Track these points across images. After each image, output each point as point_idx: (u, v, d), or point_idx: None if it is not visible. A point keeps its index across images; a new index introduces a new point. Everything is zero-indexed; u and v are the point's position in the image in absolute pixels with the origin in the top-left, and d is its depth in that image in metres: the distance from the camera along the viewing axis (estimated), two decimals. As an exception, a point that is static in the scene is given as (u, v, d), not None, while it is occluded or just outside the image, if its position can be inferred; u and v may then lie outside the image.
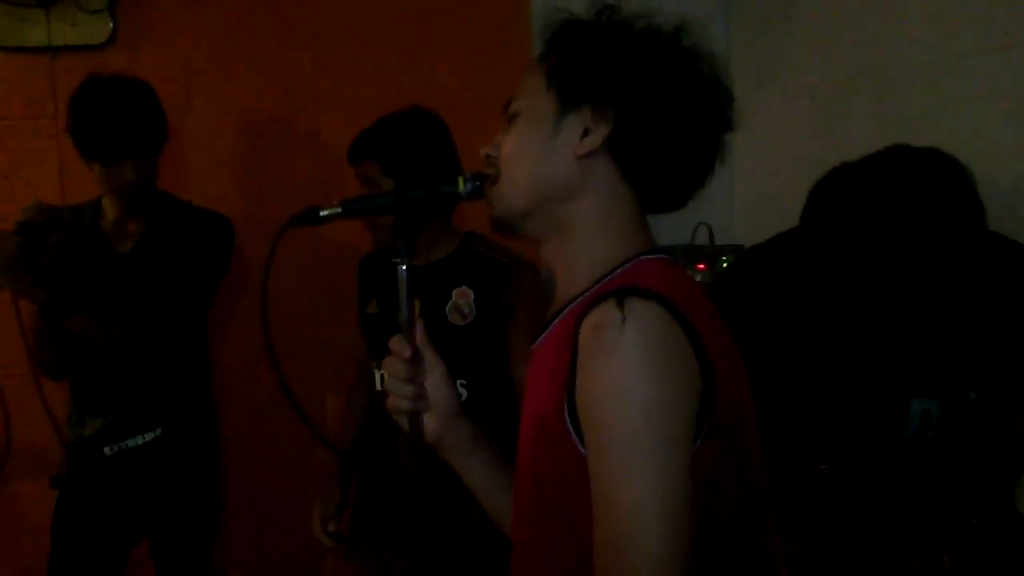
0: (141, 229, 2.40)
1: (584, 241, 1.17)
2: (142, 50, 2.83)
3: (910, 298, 1.71)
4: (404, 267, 1.23)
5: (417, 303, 1.26)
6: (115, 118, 2.21)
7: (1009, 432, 1.75)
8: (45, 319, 2.17)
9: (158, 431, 2.38)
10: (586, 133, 1.14)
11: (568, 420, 1.05)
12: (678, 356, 1.01)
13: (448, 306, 2.20)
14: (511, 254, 2.26)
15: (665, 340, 1.01)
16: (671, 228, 2.78)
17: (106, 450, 2.35)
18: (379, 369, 2.30)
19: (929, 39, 2.19)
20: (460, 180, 1.23)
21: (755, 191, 2.90)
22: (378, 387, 2.32)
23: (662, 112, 1.13)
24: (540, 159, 1.16)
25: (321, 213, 1.25)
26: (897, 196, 1.61)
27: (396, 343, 1.25)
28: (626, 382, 0.99)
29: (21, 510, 2.85)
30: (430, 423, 1.26)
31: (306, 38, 2.92)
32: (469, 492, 1.31)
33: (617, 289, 1.05)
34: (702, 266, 2.72)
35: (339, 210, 1.26)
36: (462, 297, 2.20)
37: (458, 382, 2.11)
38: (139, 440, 2.37)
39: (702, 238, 2.90)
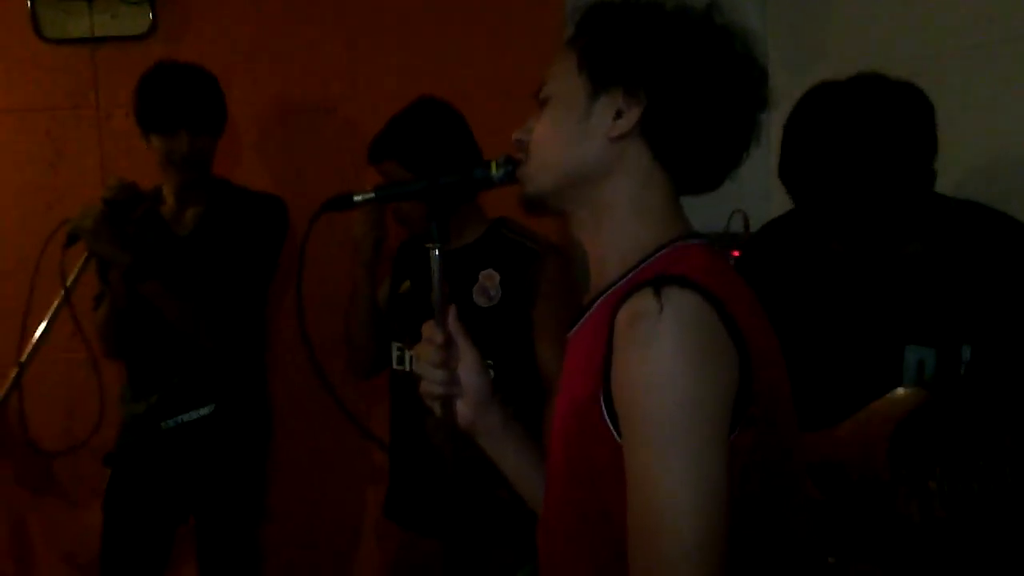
0: (199, 213, 2.51)
1: (617, 224, 1.17)
2: (181, 41, 2.88)
3: (886, 243, 1.73)
4: (437, 251, 1.25)
5: (446, 288, 1.27)
6: (173, 90, 2.38)
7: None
8: (126, 282, 2.31)
9: (212, 407, 2.46)
10: (619, 115, 1.14)
11: (604, 409, 1.05)
12: (715, 347, 1.01)
13: (474, 288, 2.23)
14: (539, 239, 2.28)
15: (702, 331, 1.00)
16: (706, 215, 2.74)
17: (163, 424, 2.45)
18: (409, 350, 2.32)
19: (967, 26, 2.16)
20: (493, 164, 1.24)
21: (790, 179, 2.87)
22: (407, 368, 2.34)
23: (695, 93, 1.12)
24: (572, 141, 1.16)
25: (355, 198, 1.28)
26: (854, 133, 1.62)
27: (429, 329, 1.26)
28: (663, 373, 0.99)
29: (79, 488, 2.93)
30: (462, 408, 1.27)
31: (340, 28, 2.94)
32: (499, 474, 1.32)
33: (654, 277, 1.04)
34: (737, 253, 2.71)
35: (372, 195, 1.28)
36: (488, 279, 2.23)
37: (485, 363, 2.14)
38: (194, 415, 2.46)
39: (737, 226, 2.88)
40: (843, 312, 1.79)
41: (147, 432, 2.47)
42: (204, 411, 2.46)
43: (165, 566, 2.55)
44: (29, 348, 2.33)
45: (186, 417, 2.45)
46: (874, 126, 1.62)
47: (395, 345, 2.38)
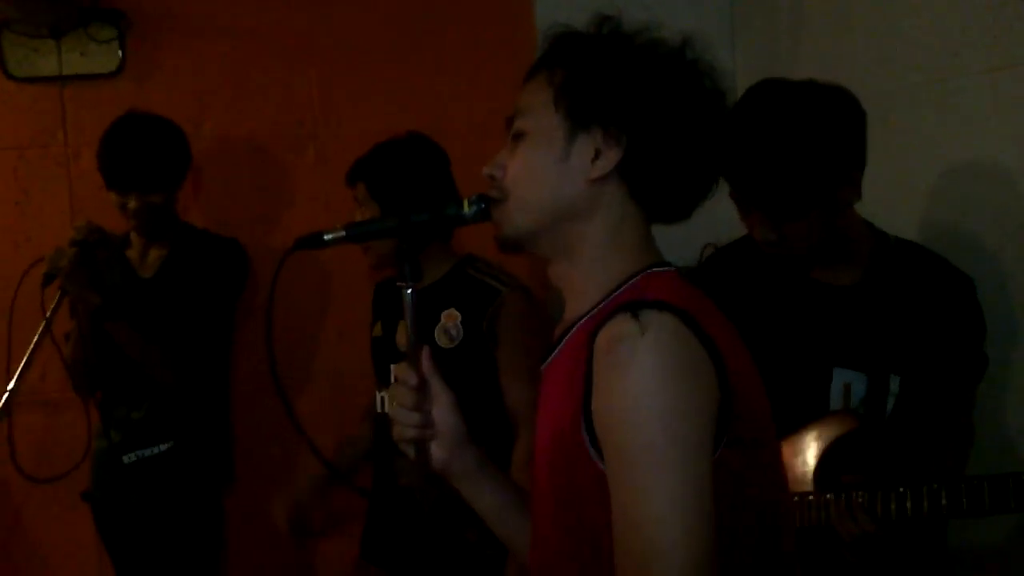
0: (162, 256, 2.59)
1: (593, 259, 1.17)
2: (151, 79, 2.87)
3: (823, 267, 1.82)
4: (410, 291, 1.23)
5: (404, 326, 1.26)
6: (126, 150, 2.44)
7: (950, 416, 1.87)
8: (93, 322, 2.38)
9: (171, 443, 2.52)
10: (597, 155, 1.14)
11: (586, 435, 1.04)
12: (695, 367, 1.01)
13: (437, 328, 2.23)
14: (503, 278, 2.28)
15: (682, 351, 1.01)
16: (678, 248, 2.77)
17: (124, 459, 2.52)
18: (380, 392, 2.32)
19: (935, 60, 2.19)
20: (465, 202, 1.23)
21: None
22: (379, 410, 2.34)
23: (673, 133, 1.13)
24: (551, 182, 1.16)
25: (325, 237, 1.26)
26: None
27: (402, 370, 1.24)
28: (644, 394, 0.99)
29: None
30: (437, 451, 1.25)
31: (311, 64, 2.95)
32: (468, 516, 1.30)
33: (631, 301, 1.05)
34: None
35: (343, 233, 1.26)
36: (450, 319, 2.23)
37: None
38: (154, 450, 2.52)
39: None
40: (777, 334, 1.84)
41: (111, 467, 2.54)
42: (163, 447, 2.52)
43: None
44: (13, 380, 2.32)
45: (146, 452, 2.52)
46: (795, 116, 1.67)
47: (377, 389, 2.37)
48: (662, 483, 0.98)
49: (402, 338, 1.24)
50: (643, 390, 0.99)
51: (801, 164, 1.64)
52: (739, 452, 1.03)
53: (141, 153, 2.44)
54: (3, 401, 2.30)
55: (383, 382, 2.29)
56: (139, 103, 2.77)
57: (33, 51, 2.81)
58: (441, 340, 2.22)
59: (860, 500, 1.70)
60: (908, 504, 1.66)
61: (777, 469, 1.15)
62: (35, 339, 2.33)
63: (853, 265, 1.82)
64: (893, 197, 2.18)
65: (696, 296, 1.14)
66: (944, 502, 1.64)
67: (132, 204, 2.45)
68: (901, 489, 1.68)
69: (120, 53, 2.84)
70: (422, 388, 1.23)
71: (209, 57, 2.90)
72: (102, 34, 2.82)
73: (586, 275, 1.17)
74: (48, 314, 2.30)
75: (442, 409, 1.24)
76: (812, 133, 1.64)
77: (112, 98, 2.82)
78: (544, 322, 2.20)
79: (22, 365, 2.32)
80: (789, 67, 2.74)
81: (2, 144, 2.82)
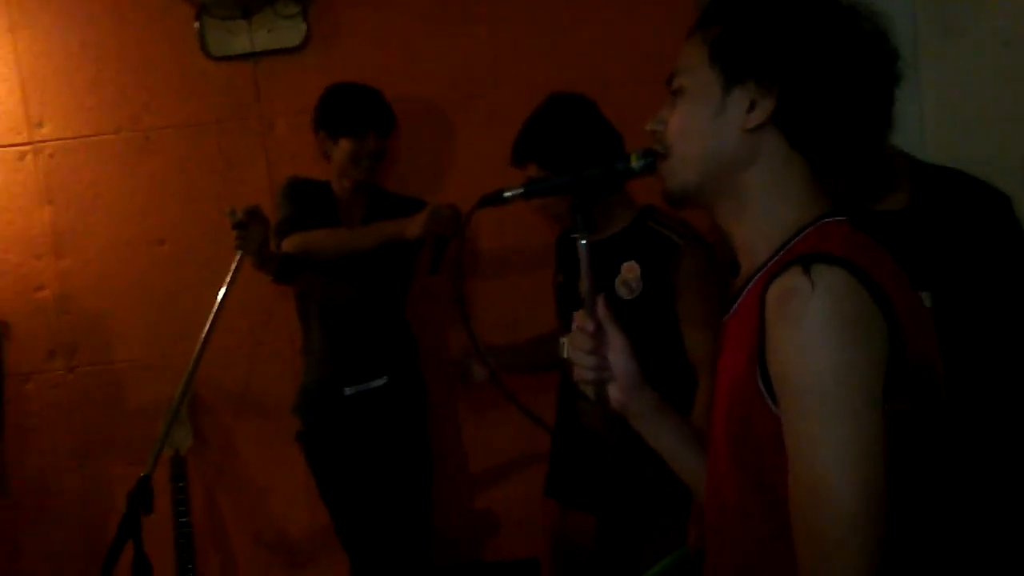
0: (362, 215, 2.82)
1: (761, 208, 1.19)
2: (334, 49, 3.04)
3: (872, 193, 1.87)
4: (584, 242, 1.30)
5: (594, 278, 1.32)
6: (359, 99, 2.75)
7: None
8: (278, 282, 2.70)
9: (385, 379, 2.78)
10: (752, 107, 1.15)
11: (761, 385, 1.08)
12: (866, 320, 1.02)
13: (617, 279, 2.26)
14: (683, 230, 2.28)
15: (853, 305, 1.02)
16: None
17: (346, 390, 2.76)
18: (563, 338, 2.38)
19: None
20: (633, 156, 1.27)
21: (946, 148, 2.78)
22: (563, 355, 2.41)
23: (827, 80, 1.13)
24: (709, 135, 1.18)
25: (505, 195, 1.34)
26: None
27: (579, 318, 1.31)
28: (815, 346, 1.01)
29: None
30: (614, 392, 1.31)
31: (480, 23, 3.04)
32: (646, 452, 1.36)
33: (802, 255, 1.06)
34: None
35: (521, 191, 1.34)
36: (630, 271, 2.25)
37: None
38: (371, 384, 2.78)
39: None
40: None
41: (330, 399, 2.79)
42: (379, 382, 2.77)
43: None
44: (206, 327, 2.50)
45: (363, 387, 2.77)
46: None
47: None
48: (834, 430, 1.00)
49: (583, 287, 1.30)
50: (814, 343, 1.01)
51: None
52: (909, 401, 1.04)
53: (371, 99, 2.75)
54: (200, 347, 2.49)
55: (567, 328, 2.35)
56: (323, 73, 2.97)
57: (228, 32, 3.02)
58: (621, 291, 2.25)
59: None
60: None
61: (944, 415, 1.14)
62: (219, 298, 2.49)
63: (899, 192, 1.88)
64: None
65: (868, 246, 1.14)
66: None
67: (370, 145, 2.73)
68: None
69: (304, 27, 3.02)
70: (598, 334, 1.29)
71: (385, 23, 3.04)
72: (287, 10, 3.00)
73: (755, 227, 1.19)
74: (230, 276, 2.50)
75: (618, 353, 1.30)
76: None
77: (299, 70, 3.02)
78: (722, 273, 2.22)
79: (212, 314, 2.48)
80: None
81: (205, 119, 3.07)
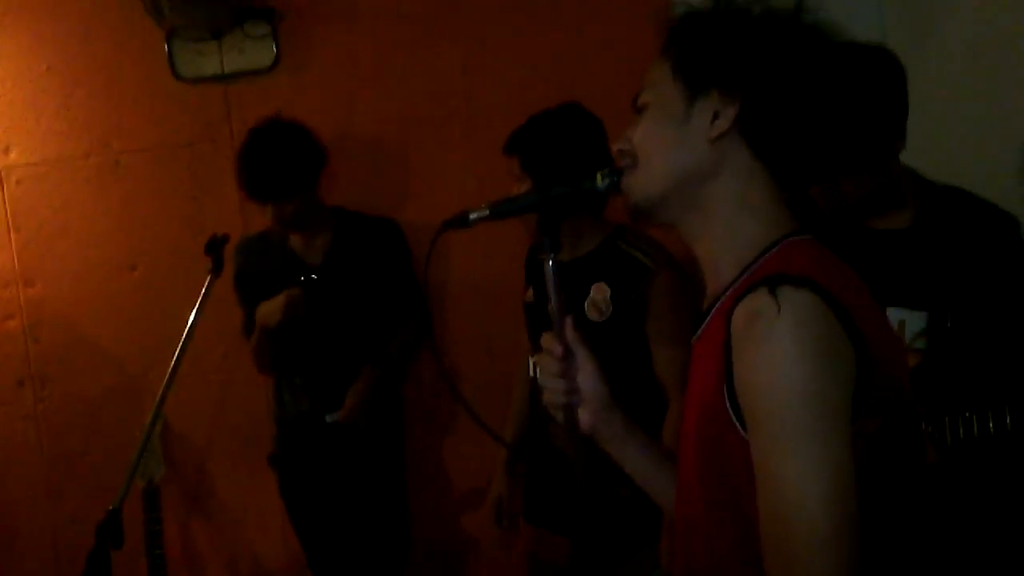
0: (327, 242, 2.76)
1: (726, 223, 1.18)
2: (304, 70, 3.02)
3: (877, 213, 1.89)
4: (550, 262, 1.28)
5: (562, 299, 1.30)
6: (257, 167, 2.60)
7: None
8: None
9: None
10: (716, 116, 1.15)
11: (729, 407, 1.07)
12: (832, 341, 1.02)
13: (587, 301, 2.23)
14: (653, 251, 2.25)
15: (819, 326, 1.01)
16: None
17: (327, 418, 2.72)
18: (532, 359, 2.37)
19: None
20: (599, 176, 1.26)
21: (914, 157, 2.77)
22: (531, 375, 2.40)
23: (788, 86, 1.13)
24: (674, 145, 1.18)
25: (470, 216, 1.32)
26: None
27: (548, 340, 1.30)
28: (782, 369, 1.00)
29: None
30: (584, 415, 1.30)
31: (454, 43, 3.02)
32: (619, 474, 1.34)
33: (768, 276, 1.06)
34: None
35: (487, 212, 1.32)
36: (599, 293, 2.23)
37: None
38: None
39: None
40: None
41: (309, 428, 2.75)
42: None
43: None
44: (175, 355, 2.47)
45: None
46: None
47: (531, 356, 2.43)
48: (802, 452, 0.99)
49: (551, 308, 1.28)
50: (781, 365, 1.00)
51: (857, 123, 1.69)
52: (878, 420, 1.04)
53: (270, 166, 2.58)
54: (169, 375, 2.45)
55: (536, 348, 2.33)
56: (294, 94, 2.95)
57: (197, 54, 3.00)
58: (591, 313, 2.23)
59: (929, 430, 1.75)
60: (974, 428, 1.73)
61: (916, 434, 1.14)
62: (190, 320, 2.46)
63: (904, 210, 1.88)
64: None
65: (833, 264, 1.13)
66: (1008, 421, 1.70)
67: (274, 211, 2.61)
68: (967, 414, 1.74)
69: (274, 48, 3.00)
70: (567, 357, 1.28)
71: (357, 43, 3.02)
72: (257, 31, 2.98)
73: (720, 243, 1.18)
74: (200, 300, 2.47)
75: (587, 376, 1.29)
76: (867, 93, 1.71)
77: (270, 90, 2.99)
78: (693, 294, 2.20)
79: (183, 340, 2.45)
80: (937, 2, 2.62)
81: (177, 141, 3.04)
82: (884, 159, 1.80)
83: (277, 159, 2.59)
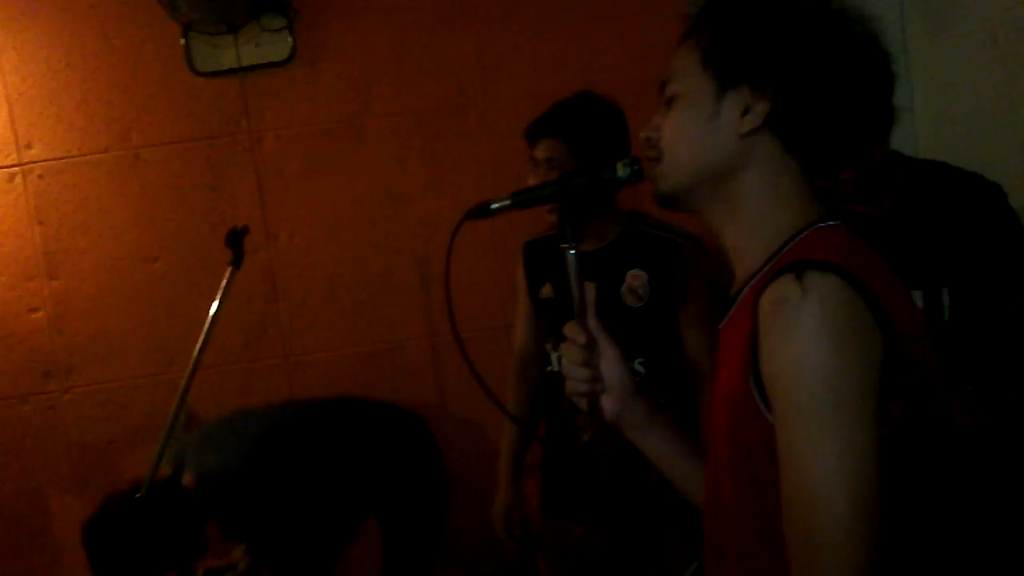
0: None
1: (753, 214, 1.18)
2: (321, 63, 3.03)
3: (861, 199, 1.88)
4: (572, 252, 1.28)
5: (592, 287, 1.30)
6: None
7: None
8: None
9: None
10: (746, 111, 1.15)
11: (755, 392, 1.08)
12: (858, 327, 1.02)
13: (622, 288, 2.23)
14: (676, 229, 2.28)
15: (845, 312, 1.02)
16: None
17: None
18: (555, 352, 2.37)
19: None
20: (619, 165, 1.26)
21: (936, 144, 2.77)
22: (555, 368, 2.38)
23: (819, 83, 1.12)
24: (703, 140, 1.18)
25: (492, 206, 1.33)
26: None
27: (571, 330, 1.30)
28: (808, 355, 1.01)
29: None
30: (607, 403, 1.30)
31: (469, 33, 3.03)
32: (645, 464, 1.35)
33: (794, 263, 1.06)
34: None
35: (508, 202, 1.32)
36: (636, 280, 2.23)
37: (636, 361, 2.18)
38: None
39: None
40: None
41: None
42: None
43: None
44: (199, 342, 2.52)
45: None
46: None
47: (550, 349, 2.41)
48: (827, 437, 1.00)
49: (590, 296, 1.27)
50: (806, 352, 1.00)
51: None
52: (904, 407, 1.04)
53: None
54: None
55: (558, 341, 2.31)
56: (311, 86, 2.97)
57: (214, 47, 3.02)
58: (628, 300, 2.22)
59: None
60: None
61: (940, 421, 1.14)
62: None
63: (885, 192, 1.88)
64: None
65: (862, 251, 1.13)
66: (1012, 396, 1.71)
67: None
68: (969, 388, 1.74)
69: (291, 40, 3.01)
70: (590, 345, 1.29)
71: (372, 35, 3.03)
72: (273, 24, 2.99)
73: (747, 231, 1.19)
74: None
75: (610, 363, 1.29)
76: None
77: (287, 83, 3.01)
78: (714, 273, 2.21)
79: (205, 330, 2.49)
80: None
81: (195, 135, 3.06)
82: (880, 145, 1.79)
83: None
